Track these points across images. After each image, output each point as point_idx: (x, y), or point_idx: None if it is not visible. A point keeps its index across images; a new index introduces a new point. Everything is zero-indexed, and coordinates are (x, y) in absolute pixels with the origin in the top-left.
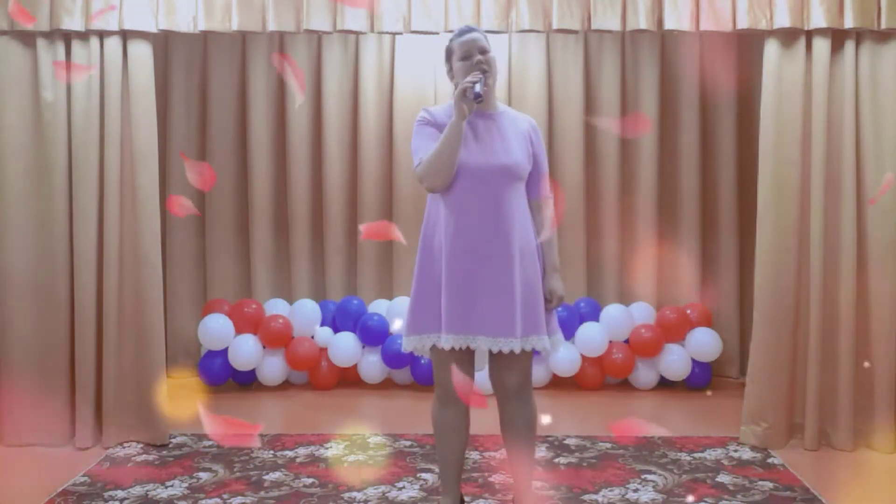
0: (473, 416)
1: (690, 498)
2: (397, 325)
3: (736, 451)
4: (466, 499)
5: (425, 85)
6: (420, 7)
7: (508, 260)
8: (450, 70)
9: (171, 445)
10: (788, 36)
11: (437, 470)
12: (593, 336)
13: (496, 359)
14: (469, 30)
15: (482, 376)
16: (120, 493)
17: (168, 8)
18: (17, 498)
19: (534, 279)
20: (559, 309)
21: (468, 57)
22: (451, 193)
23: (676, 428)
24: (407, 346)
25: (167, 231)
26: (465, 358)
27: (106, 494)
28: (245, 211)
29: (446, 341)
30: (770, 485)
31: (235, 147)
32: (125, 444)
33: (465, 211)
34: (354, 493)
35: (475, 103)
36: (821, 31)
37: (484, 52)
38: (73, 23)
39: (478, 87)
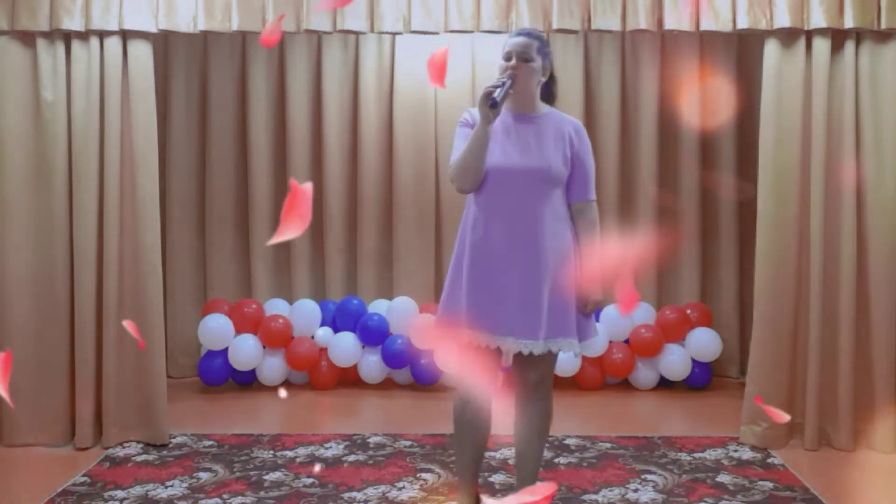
0: None
1: (685, 500)
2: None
3: (736, 451)
4: None
5: (425, 85)
6: (420, 7)
7: (535, 262)
8: None
9: (171, 445)
10: (788, 36)
11: (436, 470)
12: None
13: (519, 356)
14: (523, 33)
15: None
16: (120, 493)
17: (168, 8)
18: (17, 498)
19: (565, 282)
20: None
21: (507, 59)
22: (481, 194)
23: (676, 428)
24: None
25: (167, 231)
26: (493, 356)
27: (106, 494)
28: (245, 210)
29: (467, 337)
30: (770, 485)
31: (235, 147)
32: (125, 444)
33: (493, 212)
34: (354, 493)
35: (494, 110)
36: (821, 31)
37: (526, 59)
38: (72, 23)
39: (496, 94)
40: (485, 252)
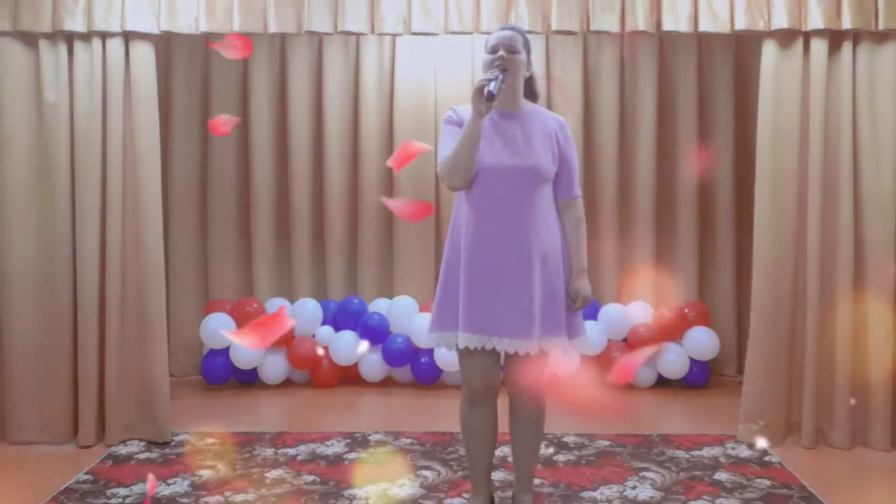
0: None
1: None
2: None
3: (733, 448)
4: (465, 495)
5: (425, 86)
6: (420, 8)
7: (527, 261)
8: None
9: (173, 443)
10: (786, 37)
11: (436, 467)
12: (592, 335)
13: (512, 357)
14: (507, 28)
15: None
16: (122, 491)
17: (170, 9)
18: (21, 495)
19: (556, 280)
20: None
21: (493, 52)
22: (471, 193)
23: (674, 426)
24: (431, 341)
25: (169, 230)
26: (492, 358)
27: (108, 492)
28: (247, 210)
29: (463, 340)
30: (767, 482)
31: (237, 147)
32: (127, 442)
33: (484, 211)
34: (355, 491)
35: (490, 102)
36: (818, 33)
37: (513, 51)
38: (75, 24)
39: (491, 86)
40: (479, 252)
